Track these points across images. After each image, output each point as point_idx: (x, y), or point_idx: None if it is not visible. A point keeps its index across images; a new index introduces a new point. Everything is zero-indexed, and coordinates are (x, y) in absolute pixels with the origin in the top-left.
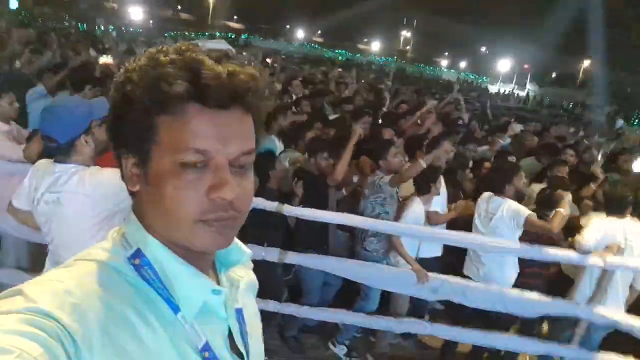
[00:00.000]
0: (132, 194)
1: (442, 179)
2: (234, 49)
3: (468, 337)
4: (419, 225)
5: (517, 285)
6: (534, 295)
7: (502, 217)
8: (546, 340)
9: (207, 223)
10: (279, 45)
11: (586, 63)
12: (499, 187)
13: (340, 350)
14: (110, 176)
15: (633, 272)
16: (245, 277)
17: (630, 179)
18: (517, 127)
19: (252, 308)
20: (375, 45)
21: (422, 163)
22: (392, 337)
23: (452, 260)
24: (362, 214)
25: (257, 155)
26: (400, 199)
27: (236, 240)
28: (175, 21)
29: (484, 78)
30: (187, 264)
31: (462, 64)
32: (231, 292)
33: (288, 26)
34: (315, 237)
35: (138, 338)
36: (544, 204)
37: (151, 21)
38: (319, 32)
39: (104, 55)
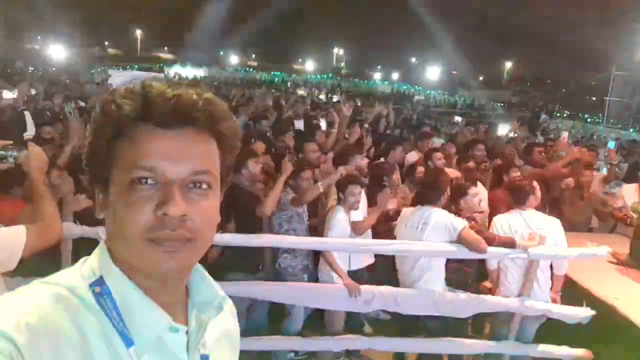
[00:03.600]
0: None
1: (362, 192)
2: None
3: (408, 346)
4: (344, 237)
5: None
6: (465, 296)
7: (435, 227)
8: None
9: (156, 242)
10: (213, 72)
11: (508, 65)
12: (431, 198)
13: None
14: None
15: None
16: (221, 324)
17: (532, 171)
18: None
19: (224, 359)
20: (310, 65)
21: (319, 186)
22: (333, 355)
23: (387, 264)
24: (271, 232)
25: None
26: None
27: (211, 280)
28: (102, 57)
29: (416, 87)
30: (144, 296)
31: (395, 76)
32: (197, 335)
33: (221, 52)
34: (245, 259)
35: None
36: (452, 195)
37: (78, 59)
38: (253, 55)
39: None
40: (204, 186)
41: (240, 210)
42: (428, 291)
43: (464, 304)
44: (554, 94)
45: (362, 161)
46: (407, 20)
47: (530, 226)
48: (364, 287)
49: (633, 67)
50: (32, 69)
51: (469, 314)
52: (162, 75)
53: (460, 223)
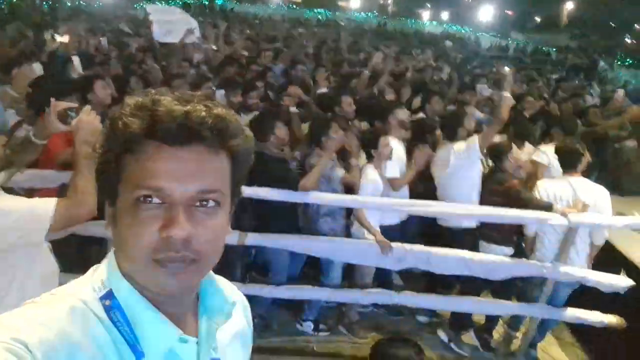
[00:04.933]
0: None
1: (399, 145)
2: (193, 22)
3: (436, 303)
4: (377, 195)
5: (486, 238)
6: (498, 258)
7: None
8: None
9: (160, 263)
10: (256, 9)
11: (569, 5)
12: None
13: (308, 326)
14: (13, 204)
15: (590, 229)
16: (231, 325)
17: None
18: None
19: (235, 359)
20: (355, 2)
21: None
22: (361, 306)
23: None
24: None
25: None
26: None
27: (221, 286)
28: None
29: (467, 28)
30: (153, 309)
31: (445, 15)
32: (207, 343)
33: None
34: (283, 218)
35: None
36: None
37: None
38: None
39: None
40: (212, 204)
41: (268, 180)
42: (461, 252)
43: (497, 265)
44: (616, 39)
45: (403, 115)
46: None
47: (577, 194)
48: (396, 245)
49: None
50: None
51: (502, 277)
52: (194, 23)
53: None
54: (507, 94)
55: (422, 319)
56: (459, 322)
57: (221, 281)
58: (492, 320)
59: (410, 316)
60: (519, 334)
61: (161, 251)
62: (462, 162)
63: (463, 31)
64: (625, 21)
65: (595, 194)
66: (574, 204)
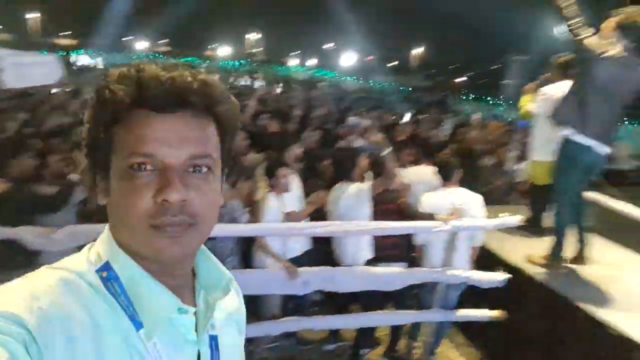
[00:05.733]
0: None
1: (295, 177)
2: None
3: (345, 322)
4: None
5: (380, 259)
6: (395, 269)
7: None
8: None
9: (159, 229)
10: (119, 59)
11: (417, 51)
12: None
13: None
14: None
15: (469, 233)
16: (229, 305)
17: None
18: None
19: (231, 340)
20: (225, 50)
21: None
22: (270, 341)
23: (325, 249)
24: None
25: None
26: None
27: (216, 261)
28: None
29: (332, 73)
30: (153, 279)
31: (312, 62)
32: (206, 316)
33: (128, 38)
34: None
35: (99, 350)
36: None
37: None
38: (162, 41)
39: None
40: (204, 169)
41: None
42: (362, 267)
43: (394, 276)
44: (459, 78)
45: (298, 149)
46: (321, 6)
47: (455, 202)
48: (301, 269)
49: (529, 53)
50: None
51: (399, 286)
52: (51, 58)
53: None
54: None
55: (329, 347)
56: (364, 341)
57: (216, 260)
58: (396, 334)
59: (318, 345)
60: (418, 343)
61: (158, 216)
62: (352, 204)
63: (328, 76)
64: (466, 63)
65: (471, 201)
66: (453, 211)
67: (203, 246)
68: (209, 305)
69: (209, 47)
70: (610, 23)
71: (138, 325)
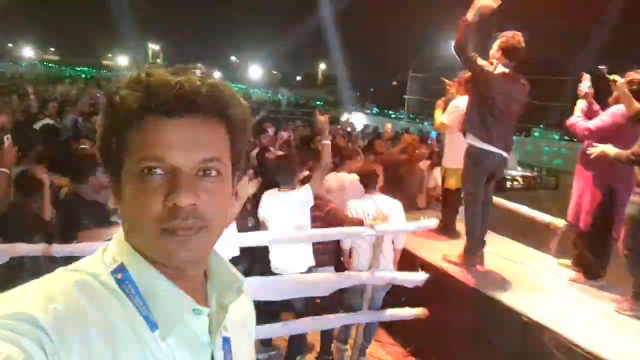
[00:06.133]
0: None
1: None
2: None
3: (278, 330)
4: None
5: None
6: (325, 275)
7: None
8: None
9: (170, 233)
10: (3, 67)
11: (322, 66)
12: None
13: None
14: None
15: (392, 236)
16: (241, 307)
17: (378, 158)
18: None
19: (244, 345)
20: (122, 60)
21: None
22: None
23: (252, 254)
24: None
25: None
26: None
27: (229, 264)
28: None
29: (240, 86)
30: (167, 281)
31: (217, 74)
32: (219, 318)
33: (10, 45)
34: None
35: (114, 351)
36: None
37: None
38: (52, 49)
39: None
40: (214, 173)
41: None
42: (293, 275)
43: (325, 282)
44: (363, 92)
45: None
46: (225, 17)
47: (378, 208)
48: None
49: (425, 70)
50: None
51: (331, 291)
52: None
53: None
54: (326, 142)
55: (261, 356)
56: (298, 347)
57: (228, 263)
58: (326, 339)
59: None
60: (348, 346)
61: (168, 220)
62: (297, 207)
63: (236, 88)
64: (369, 78)
65: (392, 206)
66: (377, 216)
67: (215, 249)
68: (221, 307)
69: (107, 55)
70: (494, 45)
71: (153, 326)
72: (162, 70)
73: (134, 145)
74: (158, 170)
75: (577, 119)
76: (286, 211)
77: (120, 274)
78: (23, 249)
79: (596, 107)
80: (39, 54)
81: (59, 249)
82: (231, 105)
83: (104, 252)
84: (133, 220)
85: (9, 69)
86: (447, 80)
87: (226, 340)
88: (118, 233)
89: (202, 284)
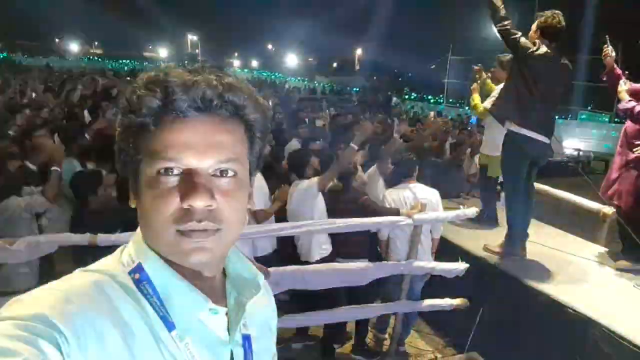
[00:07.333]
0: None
1: (258, 176)
2: None
3: (315, 319)
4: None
5: (340, 255)
6: (363, 264)
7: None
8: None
9: (185, 234)
10: (50, 62)
11: (359, 51)
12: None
13: None
14: None
15: (430, 225)
16: (260, 304)
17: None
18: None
19: (264, 339)
20: (162, 52)
21: None
22: None
23: (289, 251)
24: None
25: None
26: None
27: (247, 261)
28: None
29: (277, 74)
30: (184, 281)
31: (255, 63)
32: (237, 316)
33: (58, 40)
34: None
35: (131, 352)
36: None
37: None
38: (96, 43)
39: None
40: (230, 173)
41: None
42: (332, 265)
43: (363, 271)
44: (401, 78)
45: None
46: (261, 5)
47: (416, 196)
48: (272, 269)
49: (465, 53)
50: None
51: (368, 280)
52: None
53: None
54: (354, 146)
55: (296, 345)
56: (333, 337)
57: (247, 259)
58: (363, 329)
59: (286, 343)
60: (387, 335)
61: (184, 221)
62: (303, 197)
63: (273, 77)
64: (405, 65)
65: (429, 195)
66: (414, 205)
67: (234, 246)
68: (240, 305)
69: (148, 47)
70: (533, 26)
71: (170, 326)
72: (179, 70)
73: (151, 146)
74: (174, 171)
75: (633, 104)
76: (300, 199)
77: (138, 274)
78: (71, 238)
79: (618, 70)
80: (84, 48)
81: (103, 239)
82: (249, 105)
83: (122, 252)
84: (149, 221)
85: (55, 64)
86: (475, 67)
87: (246, 338)
88: (136, 233)
89: (221, 282)
